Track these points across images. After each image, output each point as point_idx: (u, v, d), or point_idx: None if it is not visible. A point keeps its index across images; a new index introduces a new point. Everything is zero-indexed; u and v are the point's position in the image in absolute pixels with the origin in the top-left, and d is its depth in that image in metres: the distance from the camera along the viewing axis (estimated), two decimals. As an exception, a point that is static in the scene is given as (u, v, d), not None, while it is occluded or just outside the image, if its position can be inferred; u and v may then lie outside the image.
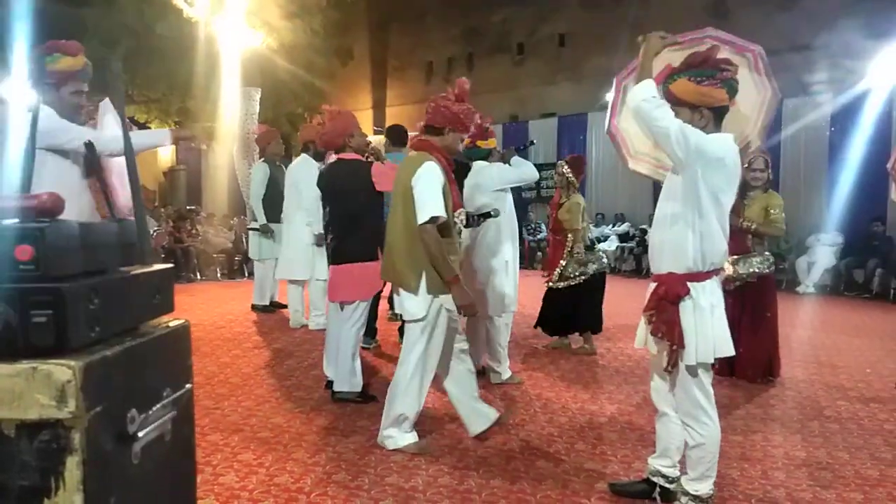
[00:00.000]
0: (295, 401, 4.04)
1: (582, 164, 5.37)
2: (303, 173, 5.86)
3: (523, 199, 12.67)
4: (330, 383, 4.13)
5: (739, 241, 4.52)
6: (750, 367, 4.52)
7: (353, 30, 13.96)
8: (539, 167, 12.62)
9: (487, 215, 4.72)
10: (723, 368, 4.59)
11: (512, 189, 4.55)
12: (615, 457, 3.25)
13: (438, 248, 2.99)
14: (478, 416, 3.37)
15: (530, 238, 12.47)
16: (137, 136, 3.26)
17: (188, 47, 9.94)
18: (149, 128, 13.04)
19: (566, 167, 5.26)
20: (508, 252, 4.38)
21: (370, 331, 5.26)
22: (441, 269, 3.02)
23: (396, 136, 5.53)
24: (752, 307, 4.54)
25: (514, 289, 4.46)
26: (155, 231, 10.01)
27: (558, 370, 4.87)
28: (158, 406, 1.19)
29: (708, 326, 2.41)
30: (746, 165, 4.38)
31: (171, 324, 1.31)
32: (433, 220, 2.98)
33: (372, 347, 5.33)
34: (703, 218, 2.39)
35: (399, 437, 3.26)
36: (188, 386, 1.32)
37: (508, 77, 13.51)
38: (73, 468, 0.99)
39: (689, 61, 2.46)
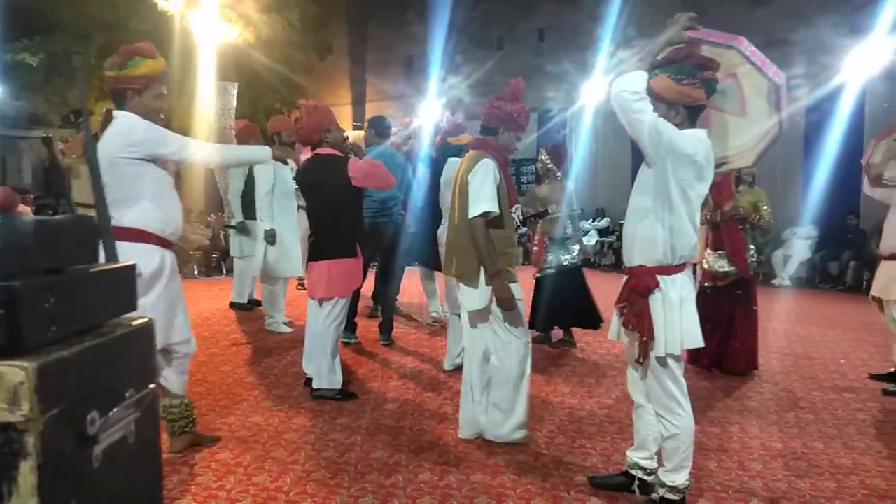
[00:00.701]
0: (273, 399, 3.99)
1: (562, 152, 5.34)
2: (259, 165, 5.74)
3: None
4: (309, 381, 4.09)
5: (735, 236, 4.59)
6: (742, 360, 4.59)
7: (331, 24, 13.82)
8: (519, 162, 12.71)
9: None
10: (710, 362, 4.63)
11: None
12: (594, 450, 3.26)
13: (485, 242, 3.10)
14: (472, 424, 3.38)
15: (511, 233, 12.47)
16: (239, 150, 3.24)
17: (163, 41, 9.76)
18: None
19: (545, 155, 5.26)
20: None
21: (350, 326, 5.22)
22: (486, 262, 3.12)
23: (381, 129, 5.44)
24: (743, 301, 4.62)
25: None
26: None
27: (538, 364, 4.87)
28: (120, 407, 1.16)
29: (676, 318, 2.43)
30: None
31: (134, 322, 1.27)
32: (484, 214, 3.08)
33: (353, 343, 5.30)
34: (673, 212, 2.41)
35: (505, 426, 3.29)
36: (152, 386, 1.28)
37: (489, 72, 13.49)
38: (27, 473, 0.95)
39: (672, 56, 2.45)
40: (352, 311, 5.13)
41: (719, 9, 10.95)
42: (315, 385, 3.98)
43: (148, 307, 2.83)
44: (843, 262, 9.33)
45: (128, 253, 2.75)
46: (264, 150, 3.27)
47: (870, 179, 4.62)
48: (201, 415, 3.67)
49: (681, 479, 2.54)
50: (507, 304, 3.13)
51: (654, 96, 2.41)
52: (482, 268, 3.15)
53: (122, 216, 2.76)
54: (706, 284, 4.65)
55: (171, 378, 3.07)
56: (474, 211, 3.08)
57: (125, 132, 2.79)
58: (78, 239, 1.20)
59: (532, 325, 5.43)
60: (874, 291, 4.50)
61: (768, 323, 6.32)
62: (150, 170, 2.84)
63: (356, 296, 5.20)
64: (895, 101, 9.11)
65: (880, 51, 8.78)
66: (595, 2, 11.11)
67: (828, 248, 9.54)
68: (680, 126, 2.41)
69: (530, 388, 3.42)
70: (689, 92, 2.40)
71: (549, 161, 5.21)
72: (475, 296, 3.19)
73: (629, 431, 3.48)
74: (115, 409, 1.15)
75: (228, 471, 2.96)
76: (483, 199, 3.07)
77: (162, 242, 2.90)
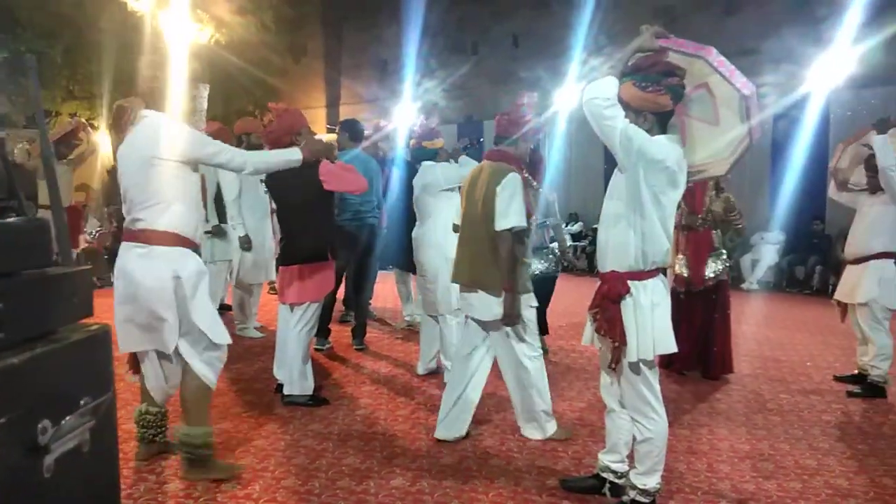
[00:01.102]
0: (243, 405, 3.93)
1: (536, 159, 5.32)
2: (222, 172, 5.63)
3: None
4: (280, 387, 4.04)
5: (708, 241, 4.64)
6: (720, 364, 4.60)
7: (306, 26, 13.73)
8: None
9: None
10: (682, 366, 4.64)
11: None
12: (566, 453, 3.27)
13: (510, 255, 3.17)
14: (455, 427, 3.40)
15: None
16: (272, 156, 3.21)
17: (132, 42, 9.59)
18: (92, 124, 12.55)
19: None
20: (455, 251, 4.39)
21: (324, 332, 5.17)
22: (506, 275, 3.18)
23: (354, 132, 5.35)
24: (721, 306, 4.65)
25: None
26: (97, 232, 9.66)
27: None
28: (75, 415, 1.12)
29: (648, 324, 2.44)
30: None
31: (90, 328, 1.23)
32: (511, 228, 3.14)
33: (325, 349, 5.25)
34: (645, 218, 2.42)
35: (548, 426, 3.44)
36: (109, 393, 1.24)
37: (464, 76, 13.52)
38: (-28, 485, 0.91)
39: (638, 63, 2.48)
40: (326, 317, 5.09)
41: (690, 17, 11.16)
42: (286, 391, 3.93)
43: (201, 308, 2.80)
44: (809, 267, 9.53)
45: (165, 257, 2.72)
46: (295, 152, 3.22)
47: (836, 184, 4.71)
48: (170, 422, 3.59)
49: (652, 482, 2.56)
50: (513, 319, 3.20)
51: (622, 104, 2.43)
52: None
53: (154, 219, 2.71)
54: (679, 290, 4.67)
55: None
56: (503, 224, 3.13)
57: (163, 133, 2.74)
58: (31, 242, 1.16)
59: None
60: (838, 295, 4.58)
61: (737, 326, 6.39)
62: (184, 172, 2.79)
63: (331, 301, 5.15)
64: (859, 109, 9.34)
65: (843, 61, 9.02)
66: (567, 10, 11.22)
67: (795, 252, 9.73)
68: (650, 132, 2.43)
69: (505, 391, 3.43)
70: (655, 99, 2.42)
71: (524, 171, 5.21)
72: (496, 304, 3.22)
73: (600, 434, 3.49)
74: (68, 418, 1.11)
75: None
76: (513, 213, 3.13)
77: (192, 245, 2.86)
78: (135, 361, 2.99)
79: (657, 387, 2.53)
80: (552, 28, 12.31)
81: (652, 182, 2.38)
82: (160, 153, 2.70)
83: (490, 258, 3.21)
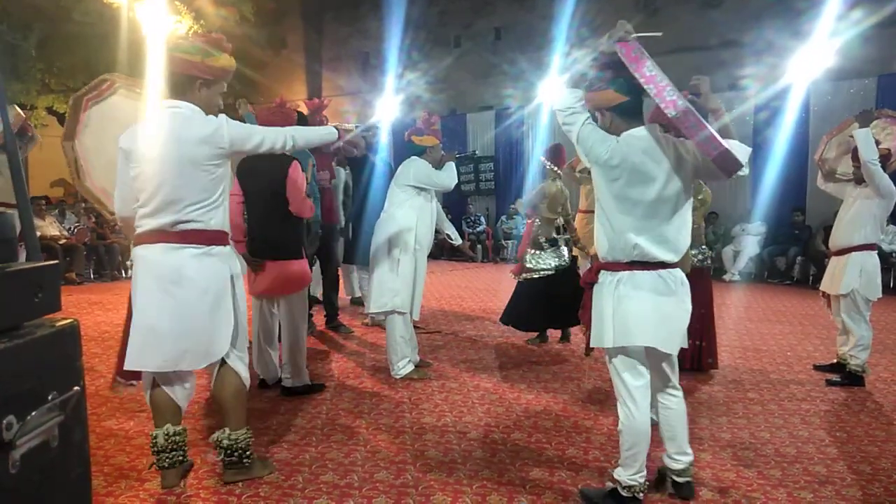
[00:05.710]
0: (224, 401, 3.89)
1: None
2: None
3: (462, 193, 12.69)
4: (262, 381, 4.04)
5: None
6: (697, 359, 4.53)
7: (286, 18, 13.62)
8: (476, 160, 12.74)
9: None
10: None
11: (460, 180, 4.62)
12: (549, 444, 3.26)
13: None
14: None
15: (469, 230, 12.51)
16: (311, 132, 3.03)
17: (109, 34, 9.43)
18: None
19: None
20: (404, 251, 4.26)
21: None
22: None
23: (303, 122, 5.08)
24: (703, 299, 4.61)
25: (406, 287, 4.28)
26: (76, 227, 9.52)
27: (495, 361, 4.89)
28: (42, 410, 1.09)
29: (608, 314, 2.47)
30: None
31: (57, 323, 1.20)
32: None
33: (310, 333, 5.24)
34: (609, 213, 2.49)
35: None
36: (77, 388, 1.21)
37: (446, 69, 13.49)
38: (-70, 484, 0.88)
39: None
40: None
41: (672, 10, 11.20)
42: (288, 384, 3.95)
43: (244, 306, 2.79)
44: (789, 258, 9.63)
45: (221, 256, 2.65)
46: (332, 130, 3.08)
47: (823, 175, 4.75)
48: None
49: (626, 475, 2.54)
50: None
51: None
52: None
53: (208, 219, 2.60)
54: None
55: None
56: None
57: (208, 130, 2.56)
58: (-7, 234, 1.13)
59: (522, 326, 5.30)
60: (823, 287, 4.58)
61: (719, 317, 6.45)
62: (227, 169, 2.69)
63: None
64: (837, 101, 9.42)
65: (822, 53, 9.12)
66: (549, 2, 11.22)
67: (775, 243, 9.83)
68: (614, 128, 2.49)
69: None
70: (600, 96, 2.51)
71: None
72: None
73: (583, 426, 3.52)
74: (34, 413, 1.08)
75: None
76: None
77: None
78: (128, 371, 2.81)
79: (629, 379, 2.50)
80: (534, 20, 12.32)
81: (611, 178, 2.44)
82: (210, 151, 2.55)
83: None
